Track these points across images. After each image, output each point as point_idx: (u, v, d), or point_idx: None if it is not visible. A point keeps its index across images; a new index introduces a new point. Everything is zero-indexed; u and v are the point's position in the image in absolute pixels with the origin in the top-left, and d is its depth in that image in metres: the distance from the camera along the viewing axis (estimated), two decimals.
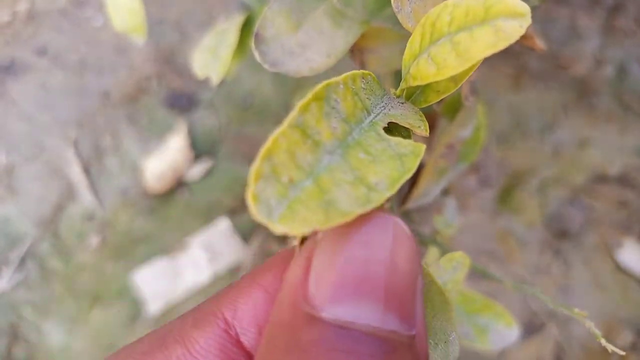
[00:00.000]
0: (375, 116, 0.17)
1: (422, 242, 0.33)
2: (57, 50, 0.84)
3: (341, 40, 0.22)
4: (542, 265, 0.76)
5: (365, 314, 0.13)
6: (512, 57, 0.83)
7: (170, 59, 0.84)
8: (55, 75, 0.83)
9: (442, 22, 0.16)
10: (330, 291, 0.13)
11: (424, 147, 0.16)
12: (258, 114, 0.82)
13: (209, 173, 0.80)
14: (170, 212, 0.78)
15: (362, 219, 0.14)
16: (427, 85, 0.19)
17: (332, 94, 0.16)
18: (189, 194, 0.79)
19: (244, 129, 0.82)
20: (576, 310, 0.25)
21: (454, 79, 0.18)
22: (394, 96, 0.19)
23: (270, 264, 0.19)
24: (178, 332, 0.17)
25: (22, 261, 0.76)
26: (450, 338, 0.17)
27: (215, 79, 0.38)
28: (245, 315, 0.17)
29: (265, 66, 0.21)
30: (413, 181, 0.33)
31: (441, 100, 0.19)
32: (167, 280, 0.75)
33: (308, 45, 0.22)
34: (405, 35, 0.19)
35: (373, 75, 0.18)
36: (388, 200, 0.31)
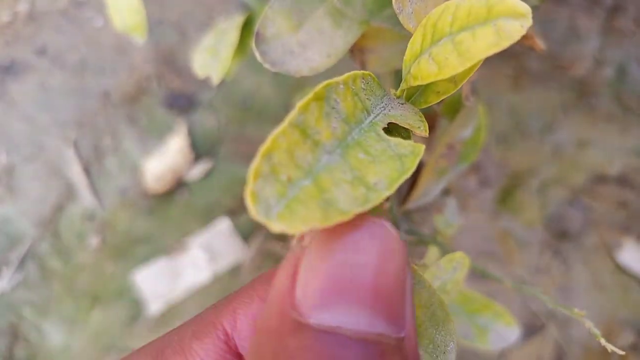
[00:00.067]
0: (375, 116, 0.17)
1: (423, 241, 0.33)
2: (57, 51, 0.84)
3: (341, 40, 0.22)
4: (542, 266, 0.76)
5: (352, 319, 0.13)
6: (512, 57, 0.83)
7: (170, 60, 0.84)
8: (55, 76, 0.83)
9: (443, 23, 0.16)
10: (316, 297, 0.13)
11: (423, 147, 0.16)
12: (258, 115, 0.82)
13: (208, 173, 0.80)
14: (170, 212, 0.78)
15: (350, 224, 0.13)
16: (427, 86, 0.19)
17: (332, 94, 0.16)
18: (188, 194, 0.79)
19: (244, 129, 0.82)
20: (575, 310, 0.25)
21: (454, 80, 0.18)
22: (394, 97, 0.19)
23: (269, 274, 0.19)
24: (177, 343, 0.17)
25: (22, 261, 0.76)
26: (449, 348, 0.18)
27: (215, 79, 0.39)
28: (244, 326, 0.17)
29: (266, 66, 0.21)
30: (413, 181, 0.33)
31: (441, 100, 0.19)
32: (167, 281, 0.75)
33: (308, 45, 0.22)
34: (406, 35, 0.19)
35: (373, 75, 0.18)
36: (388, 200, 0.31)
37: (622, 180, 0.78)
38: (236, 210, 0.78)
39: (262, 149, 0.13)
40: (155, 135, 0.81)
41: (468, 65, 0.16)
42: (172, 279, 0.75)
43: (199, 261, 0.75)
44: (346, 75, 0.17)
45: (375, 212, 0.28)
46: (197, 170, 0.79)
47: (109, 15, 0.42)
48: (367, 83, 0.17)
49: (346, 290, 0.13)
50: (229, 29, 0.40)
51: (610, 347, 0.23)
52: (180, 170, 0.79)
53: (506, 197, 0.78)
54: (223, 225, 0.77)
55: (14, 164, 0.79)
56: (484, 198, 0.78)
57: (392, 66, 0.27)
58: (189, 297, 0.74)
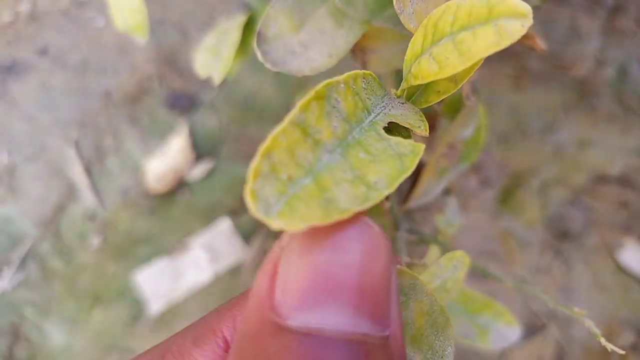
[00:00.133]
0: (376, 116, 0.17)
1: (424, 241, 0.33)
2: (58, 51, 0.84)
3: (343, 40, 0.22)
4: (543, 266, 0.76)
5: (333, 319, 0.12)
6: (513, 57, 0.83)
7: (171, 60, 0.84)
8: (56, 76, 0.84)
9: (444, 22, 0.17)
10: (296, 298, 0.13)
11: (423, 146, 0.16)
12: (259, 115, 0.83)
13: (210, 173, 0.80)
14: (171, 212, 0.78)
15: (331, 225, 0.13)
16: (428, 86, 0.19)
17: (333, 93, 0.16)
18: (190, 195, 0.79)
19: (245, 129, 0.82)
20: (576, 309, 0.25)
21: (454, 79, 0.19)
22: (395, 96, 0.19)
23: None
24: (177, 350, 0.17)
25: (23, 261, 0.76)
26: (447, 352, 0.18)
27: (216, 79, 0.39)
28: None
29: (267, 65, 0.21)
30: (414, 181, 0.33)
31: (442, 100, 0.19)
32: (168, 281, 0.75)
33: (310, 45, 0.22)
34: (407, 35, 0.20)
35: (374, 75, 0.18)
36: (388, 199, 0.31)
37: (623, 181, 0.78)
38: (237, 210, 0.78)
39: (262, 147, 0.13)
40: (157, 135, 0.81)
41: (468, 64, 0.16)
42: (174, 279, 0.75)
43: (200, 261, 0.76)
44: (347, 74, 0.17)
45: (376, 211, 0.28)
46: (199, 170, 0.79)
47: (111, 15, 0.42)
48: (368, 82, 0.17)
49: (327, 290, 0.13)
50: (231, 28, 0.40)
51: (610, 347, 0.23)
52: (182, 170, 0.79)
53: (507, 197, 0.78)
54: (224, 225, 0.77)
55: (16, 163, 0.80)
56: (485, 198, 0.78)
57: (394, 66, 0.27)
58: (190, 297, 0.74)
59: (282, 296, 0.13)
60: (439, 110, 0.33)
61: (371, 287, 0.13)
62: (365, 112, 0.17)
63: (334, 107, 0.16)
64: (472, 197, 0.78)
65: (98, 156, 0.80)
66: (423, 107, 0.19)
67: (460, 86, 0.18)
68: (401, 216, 0.33)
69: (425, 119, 0.18)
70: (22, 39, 0.84)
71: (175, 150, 0.79)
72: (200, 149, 0.81)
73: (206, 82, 0.82)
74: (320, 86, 0.15)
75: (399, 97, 0.19)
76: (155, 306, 0.74)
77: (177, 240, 0.77)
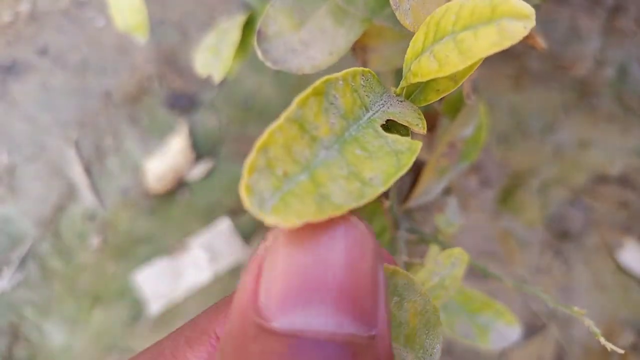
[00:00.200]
0: (374, 113, 0.17)
1: (424, 240, 0.33)
2: (58, 51, 0.84)
3: (343, 38, 0.22)
4: (543, 266, 0.76)
5: (317, 320, 0.12)
6: (513, 57, 0.83)
7: (171, 60, 0.84)
8: (56, 76, 0.84)
9: (447, 21, 0.17)
10: (279, 299, 0.13)
11: (420, 144, 0.16)
12: (259, 115, 0.83)
13: (209, 173, 0.80)
14: (171, 212, 0.78)
15: (317, 224, 0.13)
16: (427, 84, 0.19)
17: (331, 90, 0.16)
18: (189, 195, 0.79)
19: (245, 129, 0.82)
20: (575, 309, 0.25)
21: (453, 78, 0.19)
22: (394, 94, 0.19)
23: None
24: (171, 351, 0.17)
25: (23, 261, 0.76)
26: (435, 350, 0.18)
27: (217, 78, 0.39)
28: None
29: (268, 64, 0.21)
30: (414, 180, 0.33)
31: (442, 99, 0.19)
32: (168, 281, 0.75)
33: (310, 43, 0.22)
34: (407, 34, 0.20)
35: (373, 73, 0.18)
36: (388, 198, 0.31)
37: (623, 181, 0.78)
38: (237, 210, 0.78)
39: (259, 142, 0.13)
40: (157, 135, 0.81)
41: (469, 63, 0.16)
42: (173, 279, 0.75)
43: (200, 261, 0.76)
44: (345, 71, 0.17)
45: (376, 210, 0.28)
46: (198, 170, 0.79)
47: (111, 15, 0.42)
48: (367, 80, 0.17)
49: (310, 290, 0.12)
50: (231, 28, 0.40)
51: (609, 346, 0.23)
52: (182, 170, 0.79)
53: (507, 197, 0.78)
54: (224, 225, 0.77)
55: (16, 163, 0.80)
56: (485, 198, 0.78)
57: (394, 65, 0.27)
58: (190, 297, 0.74)
59: (265, 298, 0.13)
60: (440, 110, 0.33)
61: (356, 287, 0.13)
62: (364, 109, 0.17)
63: (331, 103, 0.16)
64: (472, 197, 0.78)
65: (98, 156, 0.80)
66: (422, 105, 0.19)
67: (459, 85, 0.18)
68: (401, 215, 0.33)
69: (423, 117, 0.18)
70: (22, 39, 0.84)
71: (175, 150, 0.79)
72: (200, 149, 0.81)
73: (206, 82, 0.82)
74: (318, 82, 0.15)
75: (398, 95, 0.19)
76: (155, 306, 0.74)
77: (177, 240, 0.77)
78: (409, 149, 0.16)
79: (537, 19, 0.15)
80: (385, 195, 0.30)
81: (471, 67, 0.17)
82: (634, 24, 0.83)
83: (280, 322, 0.12)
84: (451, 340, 0.66)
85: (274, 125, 0.14)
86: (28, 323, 0.74)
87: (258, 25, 0.21)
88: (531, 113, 0.81)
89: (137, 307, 0.74)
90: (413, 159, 0.15)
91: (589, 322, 0.24)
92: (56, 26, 0.85)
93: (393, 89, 0.19)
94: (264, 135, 0.13)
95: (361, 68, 0.17)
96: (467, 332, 0.34)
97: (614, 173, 0.79)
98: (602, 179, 0.78)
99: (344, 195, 0.13)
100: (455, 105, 0.31)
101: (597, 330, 0.24)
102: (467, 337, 0.34)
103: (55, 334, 0.73)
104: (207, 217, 0.78)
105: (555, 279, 0.75)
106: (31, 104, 0.82)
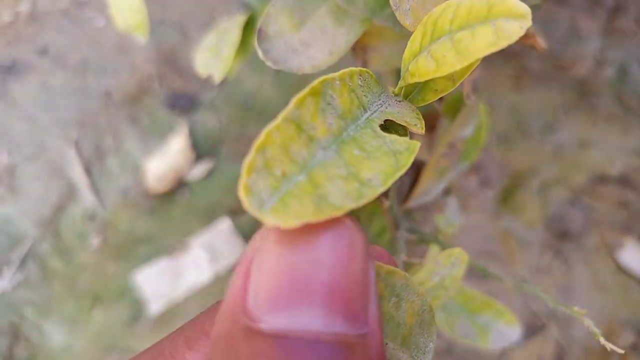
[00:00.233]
0: (372, 113, 0.17)
1: (424, 240, 0.33)
2: (58, 51, 0.84)
3: (343, 38, 0.22)
4: (543, 266, 0.76)
5: (307, 320, 0.12)
6: (513, 57, 0.83)
7: (171, 60, 0.84)
8: (56, 76, 0.84)
9: (444, 20, 0.17)
10: (267, 300, 0.12)
11: (418, 144, 0.16)
12: (259, 115, 0.83)
13: (210, 173, 0.80)
14: (171, 212, 0.78)
15: (306, 224, 0.13)
16: (426, 84, 0.19)
17: (328, 90, 0.16)
18: (190, 195, 0.79)
19: (245, 129, 0.82)
20: (575, 308, 0.25)
21: (451, 78, 0.18)
22: (392, 94, 0.19)
23: None
24: (170, 352, 0.17)
25: (23, 261, 0.76)
26: (428, 348, 0.18)
27: (217, 78, 0.39)
28: None
29: (268, 63, 0.21)
30: (414, 180, 0.33)
31: (442, 99, 0.19)
32: (168, 281, 0.75)
33: (311, 43, 0.22)
34: (407, 34, 0.20)
35: (371, 72, 0.18)
36: (388, 198, 0.31)
37: (623, 181, 0.78)
38: (237, 210, 0.78)
39: (257, 143, 0.13)
40: (157, 135, 0.81)
41: (466, 63, 0.16)
42: (173, 279, 0.75)
43: (200, 261, 0.76)
44: (343, 71, 0.16)
45: (375, 210, 0.28)
46: (199, 170, 0.79)
47: (111, 15, 0.42)
48: (365, 80, 0.17)
49: (300, 290, 0.12)
50: (231, 28, 0.40)
51: (609, 346, 0.23)
52: (182, 170, 0.79)
53: (507, 197, 0.78)
54: (224, 225, 0.77)
55: (16, 164, 0.80)
56: (485, 198, 0.78)
57: (394, 65, 0.27)
58: (190, 297, 0.74)
59: (254, 298, 0.13)
60: (440, 110, 0.33)
61: (346, 286, 0.13)
62: (362, 109, 0.17)
63: (329, 103, 0.15)
64: (472, 197, 0.78)
65: (98, 156, 0.80)
66: (420, 105, 0.19)
67: (457, 85, 0.18)
68: (401, 215, 0.33)
69: (421, 117, 0.18)
70: (22, 39, 0.84)
71: (175, 150, 0.79)
72: (200, 149, 0.81)
73: (206, 82, 0.82)
74: (315, 83, 0.15)
75: (396, 95, 0.19)
76: (155, 306, 0.74)
77: (177, 240, 0.77)
78: (407, 149, 0.16)
79: (537, 19, 0.15)
80: (385, 195, 0.30)
81: (469, 67, 0.17)
82: (634, 24, 0.83)
83: (269, 322, 0.12)
84: (451, 340, 0.66)
85: (271, 126, 0.14)
86: (28, 323, 0.74)
87: (259, 24, 0.21)
88: (531, 113, 0.81)
89: (137, 307, 0.74)
90: (411, 159, 0.15)
91: (588, 322, 0.24)
92: (56, 26, 0.85)
93: (391, 89, 0.19)
94: (262, 136, 0.13)
95: (359, 68, 0.17)
96: (467, 332, 0.34)
97: (614, 173, 0.79)
98: (602, 179, 0.78)
99: (342, 196, 0.13)
100: (455, 106, 0.31)
101: (597, 330, 0.24)
102: (467, 337, 0.34)
103: (55, 334, 0.73)
104: (207, 217, 0.78)
105: (555, 279, 0.75)
106: (31, 104, 0.82)
